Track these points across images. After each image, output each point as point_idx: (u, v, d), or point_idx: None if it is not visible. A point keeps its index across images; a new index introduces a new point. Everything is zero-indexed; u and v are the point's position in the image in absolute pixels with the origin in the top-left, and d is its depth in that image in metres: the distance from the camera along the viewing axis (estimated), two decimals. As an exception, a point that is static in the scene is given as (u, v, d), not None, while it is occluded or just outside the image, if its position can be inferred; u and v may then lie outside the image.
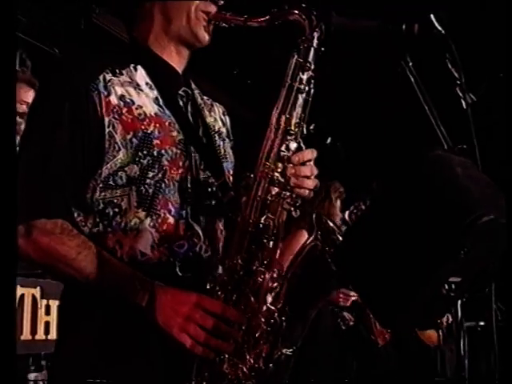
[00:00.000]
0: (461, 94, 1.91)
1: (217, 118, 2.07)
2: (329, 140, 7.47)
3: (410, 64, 1.89)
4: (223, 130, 2.07)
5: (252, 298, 1.72)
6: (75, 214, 1.76)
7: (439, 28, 1.86)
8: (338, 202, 4.48)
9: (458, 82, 1.91)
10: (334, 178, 4.57)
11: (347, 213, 4.56)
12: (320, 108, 1.89)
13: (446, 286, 1.61)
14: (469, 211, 1.50)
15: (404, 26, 1.85)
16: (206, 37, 1.92)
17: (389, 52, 1.91)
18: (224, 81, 6.37)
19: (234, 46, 5.03)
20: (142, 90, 1.85)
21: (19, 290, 3.45)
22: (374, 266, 1.60)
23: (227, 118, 2.13)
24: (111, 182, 1.76)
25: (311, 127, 1.80)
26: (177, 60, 1.95)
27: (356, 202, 4.57)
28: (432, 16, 1.86)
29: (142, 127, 1.79)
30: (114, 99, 1.78)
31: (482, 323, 5.11)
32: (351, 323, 4.51)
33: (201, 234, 1.83)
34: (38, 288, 3.59)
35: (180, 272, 1.78)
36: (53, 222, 1.72)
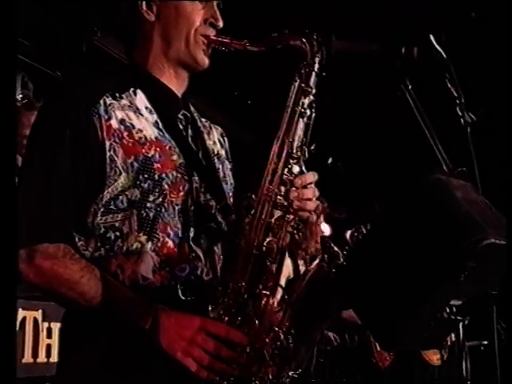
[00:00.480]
0: (460, 113, 1.92)
1: (216, 140, 2.07)
2: (330, 160, 7.48)
3: (410, 87, 1.90)
4: (222, 152, 2.08)
5: (256, 321, 1.71)
6: (76, 239, 1.75)
7: (439, 49, 1.87)
8: (321, 218, 4.42)
9: (458, 102, 1.92)
10: (334, 198, 4.54)
11: (348, 233, 4.57)
12: (321, 129, 1.90)
13: (448, 309, 1.61)
14: (469, 234, 1.50)
15: (403, 49, 1.86)
16: (205, 60, 1.92)
17: (389, 75, 1.92)
18: (225, 102, 6.39)
19: (236, 68, 5.04)
20: (141, 114, 1.85)
21: (21, 313, 3.42)
22: (374, 288, 1.60)
23: (226, 139, 2.13)
24: (112, 206, 1.76)
25: (312, 147, 1.81)
26: (176, 83, 1.95)
27: (357, 225, 4.57)
28: (431, 36, 1.88)
29: (143, 151, 1.79)
30: (114, 123, 1.79)
31: (485, 342, 5.09)
32: (335, 344, 4.49)
33: (202, 257, 1.82)
34: (40, 311, 3.56)
35: (182, 295, 1.76)
36: (55, 246, 1.71)
